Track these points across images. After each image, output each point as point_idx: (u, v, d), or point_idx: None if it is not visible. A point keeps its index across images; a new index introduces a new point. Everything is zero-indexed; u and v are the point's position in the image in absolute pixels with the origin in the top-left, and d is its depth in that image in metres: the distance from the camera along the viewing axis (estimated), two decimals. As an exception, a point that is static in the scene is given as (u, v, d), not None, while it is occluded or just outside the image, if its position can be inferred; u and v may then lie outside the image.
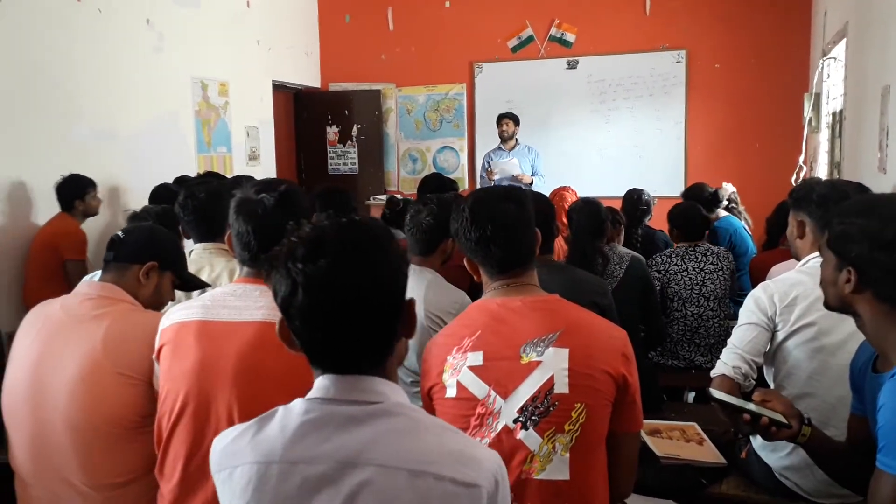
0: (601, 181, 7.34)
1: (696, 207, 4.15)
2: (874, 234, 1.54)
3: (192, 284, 2.36)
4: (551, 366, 1.66)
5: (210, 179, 4.27)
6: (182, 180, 5.28)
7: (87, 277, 2.69)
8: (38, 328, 2.07)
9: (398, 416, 1.16)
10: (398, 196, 5.18)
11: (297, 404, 1.19)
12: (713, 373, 2.29)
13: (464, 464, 1.13)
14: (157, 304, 2.20)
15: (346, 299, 1.12)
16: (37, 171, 4.63)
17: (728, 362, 2.25)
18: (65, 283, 4.17)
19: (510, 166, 6.50)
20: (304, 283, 1.12)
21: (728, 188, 5.33)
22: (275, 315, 1.80)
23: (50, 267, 4.41)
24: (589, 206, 3.50)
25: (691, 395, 3.98)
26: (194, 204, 2.75)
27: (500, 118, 6.81)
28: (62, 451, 1.98)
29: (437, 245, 2.69)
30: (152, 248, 2.17)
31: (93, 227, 4.90)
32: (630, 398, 1.71)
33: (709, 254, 3.88)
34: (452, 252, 2.73)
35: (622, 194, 4.83)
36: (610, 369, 1.68)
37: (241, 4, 6.93)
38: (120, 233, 2.21)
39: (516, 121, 6.78)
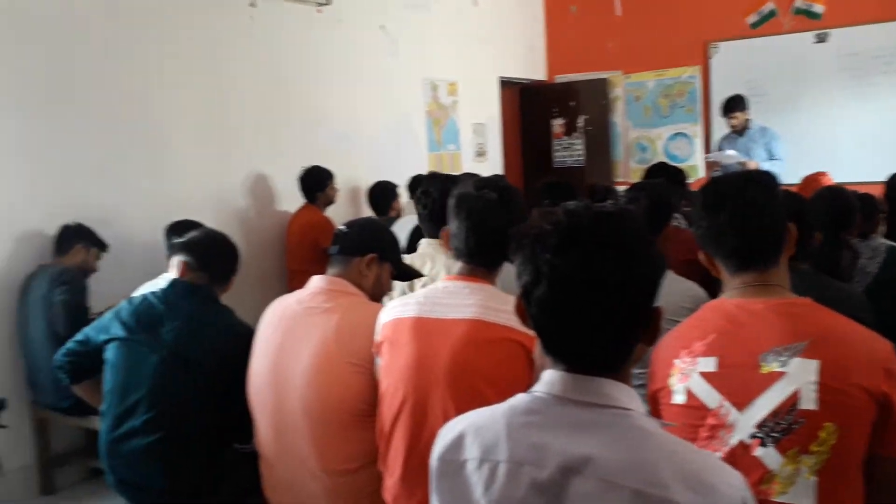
0: (859, 165, 6.56)
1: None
2: None
3: (409, 275, 2.45)
4: (796, 378, 1.46)
5: (440, 176, 4.40)
6: (417, 179, 5.51)
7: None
8: (277, 320, 2.23)
9: (630, 426, 1.06)
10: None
11: (522, 400, 1.13)
12: None
13: (697, 491, 1.00)
14: (378, 294, 2.30)
15: (591, 298, 1.04)
16: (287, 171, 5.06)
17: None
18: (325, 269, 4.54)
19: (726, 158, 5.88)
20: (549, 275, 1.05)
21: None
22: (485, 313, 1.83)
23: (309, 255, 4.80)
24: (831, 193, 3.12)
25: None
26: (425, 201, 2.86)
27: (726, 111, 6.13)
28: (299, 435, 2.11)
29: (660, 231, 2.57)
30: (372, 241, 2.28)
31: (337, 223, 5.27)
32: (895, 419, 1.47)
33: None
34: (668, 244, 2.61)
35: (884, 178, 4.28)
36: (869, 386, 1.44)
37: (468, 3, 7.07)
38: (343, 227, 2.33)
39: (743, 106, 6.08)
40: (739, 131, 6.11)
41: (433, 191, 2.84)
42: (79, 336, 2.56)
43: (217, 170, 4.75)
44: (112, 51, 4.14)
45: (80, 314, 3.43)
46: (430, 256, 2.77)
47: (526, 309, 1.11)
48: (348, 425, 2.07)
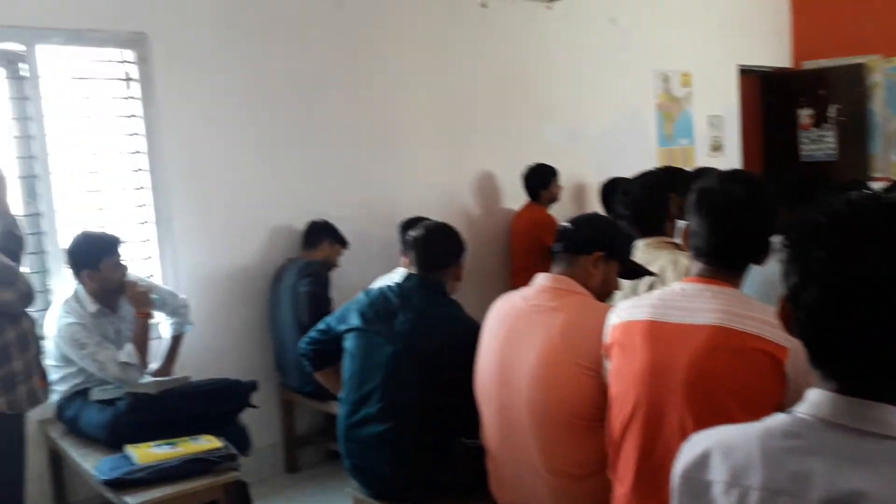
0: None
1: None
2: None
3: (638, 273, 2.36)
4: None
5: (647, 173, 4.19)
6: (613, 182, 5.30)
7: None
8: (503, 316, 2.22)
9: None
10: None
11: (781, 422, 1.00)
12: None
13: None
14: (604, 293, 2.22)
15: (877, 305, 0.90)
16: (513, 169, 5.07)
17: None
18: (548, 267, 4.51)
19: None
20: (822, 276, 0.92)
21: None
22: (730, 320, 1.68)
23: (532, 253, 4.82)
24: None
25: None
26: (628, 200, 2.74)
27: None
28: (525, 433, 2.08)
29: None
30: (598, 238, 2.21)
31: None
32: None
33: None
34: None
35: None
36: None
37: (705, -10, 6.69)
38: (568, 224, 2.28)
39: None
40: None
41: (634, 190, 2.74)
42: (320, 325, 2.72)
43: (447, 168, 4.88)
44: (350, 57, 4.37)
45: (323, 305, 3.67)
46: (653, 256, 2.66)
47: (792, 315, 0.97)
48: (576, 429, 2.01)
